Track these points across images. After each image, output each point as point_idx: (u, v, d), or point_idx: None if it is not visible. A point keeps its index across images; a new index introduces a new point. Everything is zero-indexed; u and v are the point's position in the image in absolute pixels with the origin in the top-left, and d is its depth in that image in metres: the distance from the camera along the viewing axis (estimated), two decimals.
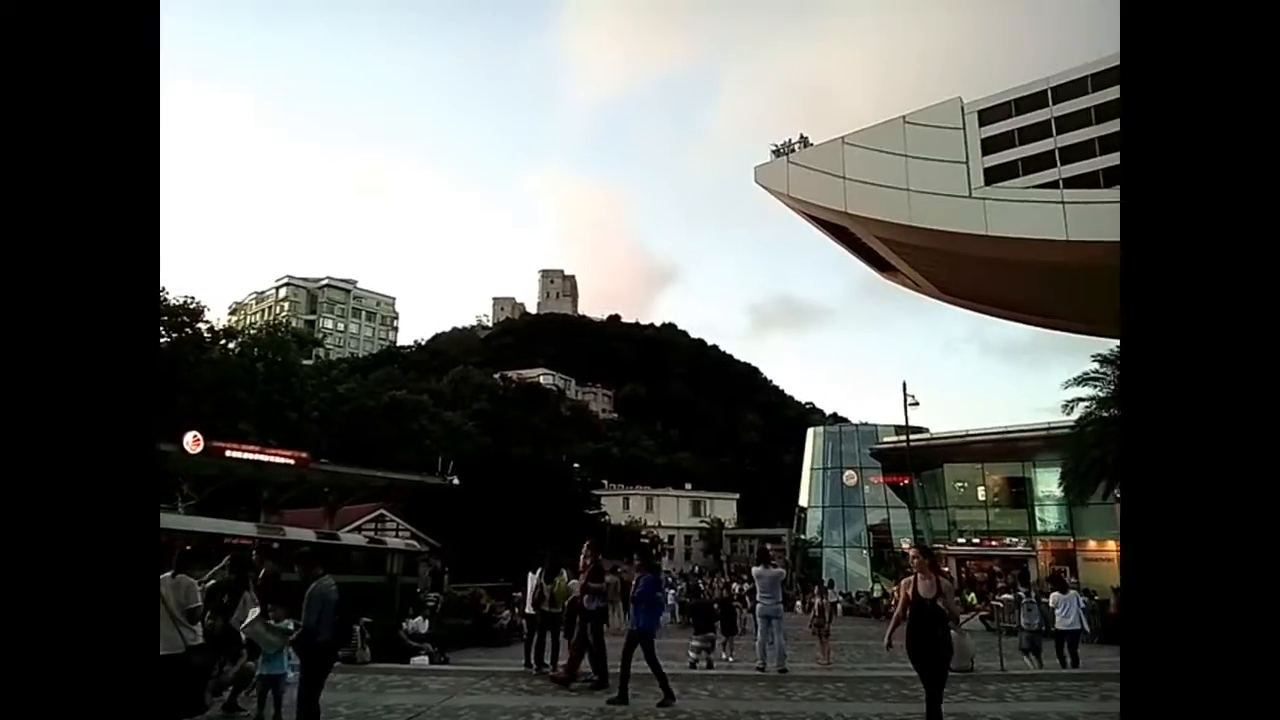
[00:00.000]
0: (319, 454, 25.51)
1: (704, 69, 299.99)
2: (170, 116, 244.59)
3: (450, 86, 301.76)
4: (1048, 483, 42.45)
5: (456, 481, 28.78)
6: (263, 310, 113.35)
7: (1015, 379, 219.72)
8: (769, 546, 15.19)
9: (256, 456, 18.64)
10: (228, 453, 18.01)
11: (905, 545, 46.11)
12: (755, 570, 11.05)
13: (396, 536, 30.86)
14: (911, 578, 6.44)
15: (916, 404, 34.80)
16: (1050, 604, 12.63)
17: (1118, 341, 28.19)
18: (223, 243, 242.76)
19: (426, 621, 16.09)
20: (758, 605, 10.64)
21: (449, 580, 26.00)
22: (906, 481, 43.87)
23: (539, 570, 10.26)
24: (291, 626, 6.59)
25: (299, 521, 22.97)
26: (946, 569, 43.75)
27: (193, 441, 17.02)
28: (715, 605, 16.08)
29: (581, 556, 9.21)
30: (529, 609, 10.22)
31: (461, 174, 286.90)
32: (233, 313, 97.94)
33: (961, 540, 45.05)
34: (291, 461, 19.65)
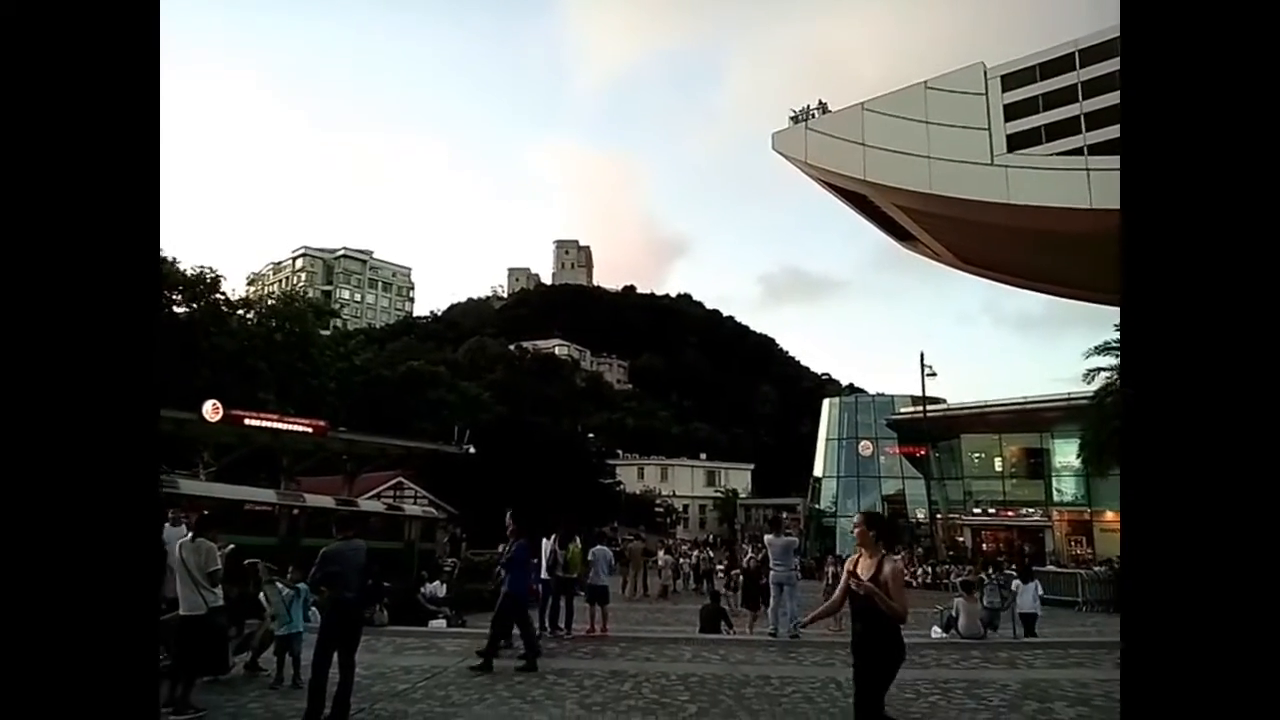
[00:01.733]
0: (337, 423, 25.84)
1: (713, 42, 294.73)
2: (188, 90, 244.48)
3: (464, 61, 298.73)
4: (1066, 453, 42.14)
5: (472, 450, 29.05)
6: (280, 281, 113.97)
7: (1029, 351, 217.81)
8: (784, 515, 15.18)
9: (275, 425, 18.89)
10: (247, 421, 18.27)
11: (920, 515, 46.33)
12: (767, 538, 11.09)
13: (415, 504, 31.41)
14: (855, 555, 4.82)
15: (934, 374, 34.52)
16: (1013, 589, 13.45)
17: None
18: (240, 215, 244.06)
19: (444, 586, 16.35)
20: (770, 572, 10.69)
21: (466, 546, 26.43)
22: (923, 452, 43.71)
23: (553, 536, 10.36)
24: (298, 589, 6.69)
25: (318, 489, 23.39)
26: (961, 539, 43.94)
27: (211, 410, 17.27)
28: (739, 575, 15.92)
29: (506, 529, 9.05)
30: (544, 574, 10.32)
31: (477, 148, 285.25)
32: (250, 283, 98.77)
33: (977, 510, 45.03)
34: (310, 430, 19.90)
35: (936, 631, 11.31)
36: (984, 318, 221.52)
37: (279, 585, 7.16)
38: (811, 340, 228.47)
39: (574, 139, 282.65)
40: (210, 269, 31.08)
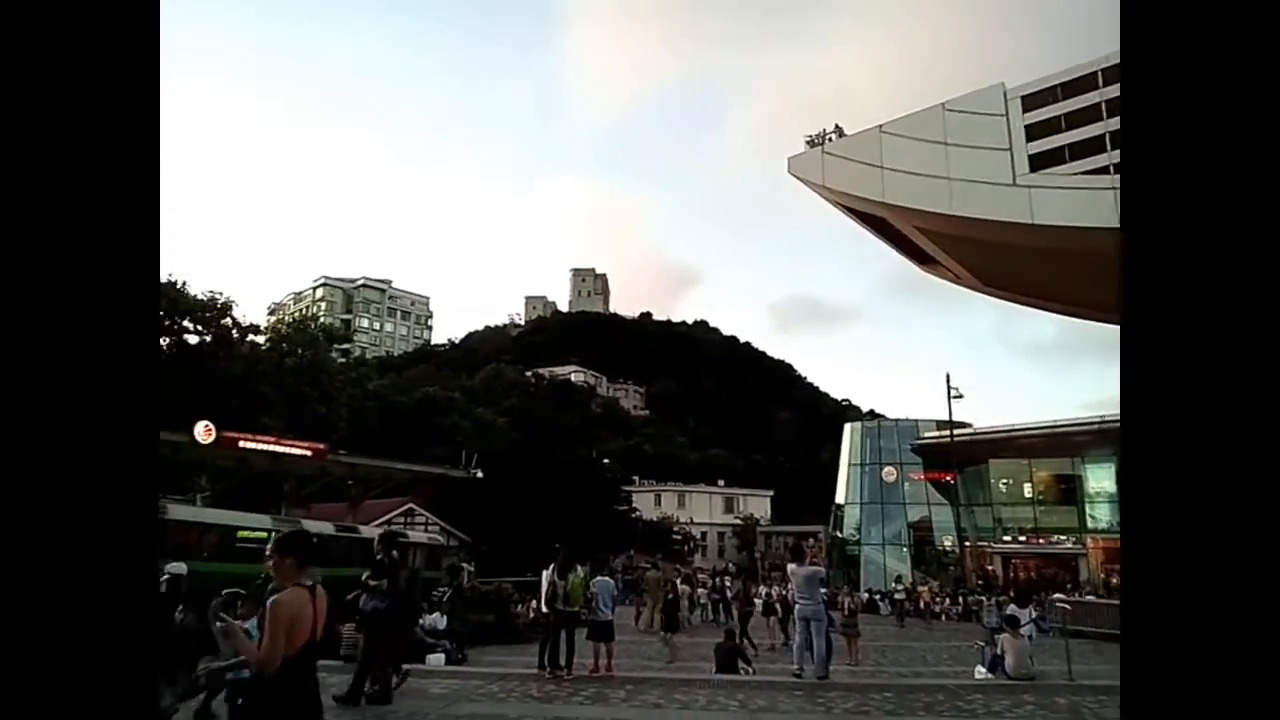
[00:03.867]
0: (350, 449, 25.15)
1: (720, 75, 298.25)
2: (212, 122, 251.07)
3: (483, 95, 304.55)
4: (1099, 479, 40.58)
5: (480, 475, 28.21)
6: (300, 310, 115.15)
7: (1044, 377, 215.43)
8: (809, 541, 14.18)
9: (271, 447, 18.22)
10: (241, 443, 17.59)
11: (947, 542, 44.71)
12: (790, 567, 10.08)
13: (426, 531, 30.57)
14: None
15: (960, 396, 33.36)
16: (1008, 613, 13.76)
17: None
18: (263, 245, 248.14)
19: (445, 618, 15.39)
20: (795, 606, 9.65)
21: (473, 575, 25.48)
22: (949, 478, 42.20)
23: (552, 566, 9.42)
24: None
25: (324, 515, 22.67)
26: (990, 566, 42.24)
27: (204, 431, 16.63)
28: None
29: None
30: (543, 608, 9.39)
31: (496, 180, 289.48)
32: (271, 313, 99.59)
33: (1008, 538, 43.39)
34: (309, 453, 19.21)
35: (981, 671, 10.18)
36: (996, 345, 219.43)
37: (235, 621, 6.29)
38: (827, 367, 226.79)
39: (589, 170, 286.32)
40: (220, 294, 30.88)
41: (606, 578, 10.04)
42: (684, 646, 16.56)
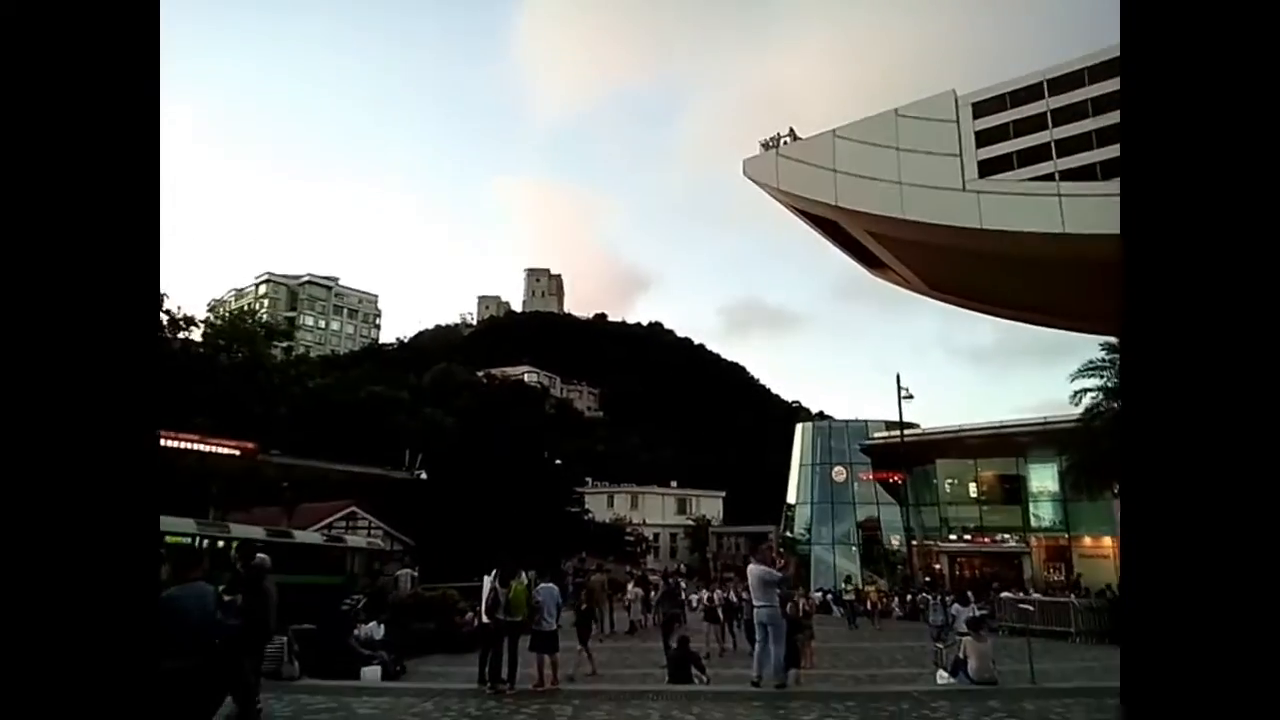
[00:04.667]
0: (293, 452, 23.77)
1: (671, 81, 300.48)
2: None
3: (435, 94, 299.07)
4: (1042, 478, 41.59)
5: (424, 475, 27.14)
6: (241, 307, 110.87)
7: (983, 381, 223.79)
8: (769, 536, 13.65)
9: (196, 446, 17.01)
10: (162, 441, 16.31)
11: (895, 541, 45.29)
12: (750, 568, 9.59)
13: (370, 535, 29.29)
14: None
15: (911, 397, 33.54)
16: (953, 613, 15.00)
17: (1102, 338, 27.77)
18: (203, 240, 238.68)
19: (382, 627, 14.52)
20: (754, 610, 9.16)
21: (416, 580, 24.43)
22: (898, 478, 42.71)
23: (494, 572, 8.75)
24: None
25: (262, 520, 21.39)
26: (938, 565, 42.92)
27: None
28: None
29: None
30: (483, 617, 8.73)
31: (449, 180, 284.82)
32: (211, 309, 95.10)
33: (953, 537, 44.15)
34: (237, 452, 18.03)
35: (943, 676, 9.90)
36: (937, 349, 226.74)
37: None
38: (777, 369, 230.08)
39: (543, 170, 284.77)
40: None
41: (551, 584, 9.39)
42: (637, 652, 16.05)
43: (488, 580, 8.79)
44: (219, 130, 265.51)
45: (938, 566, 42.99)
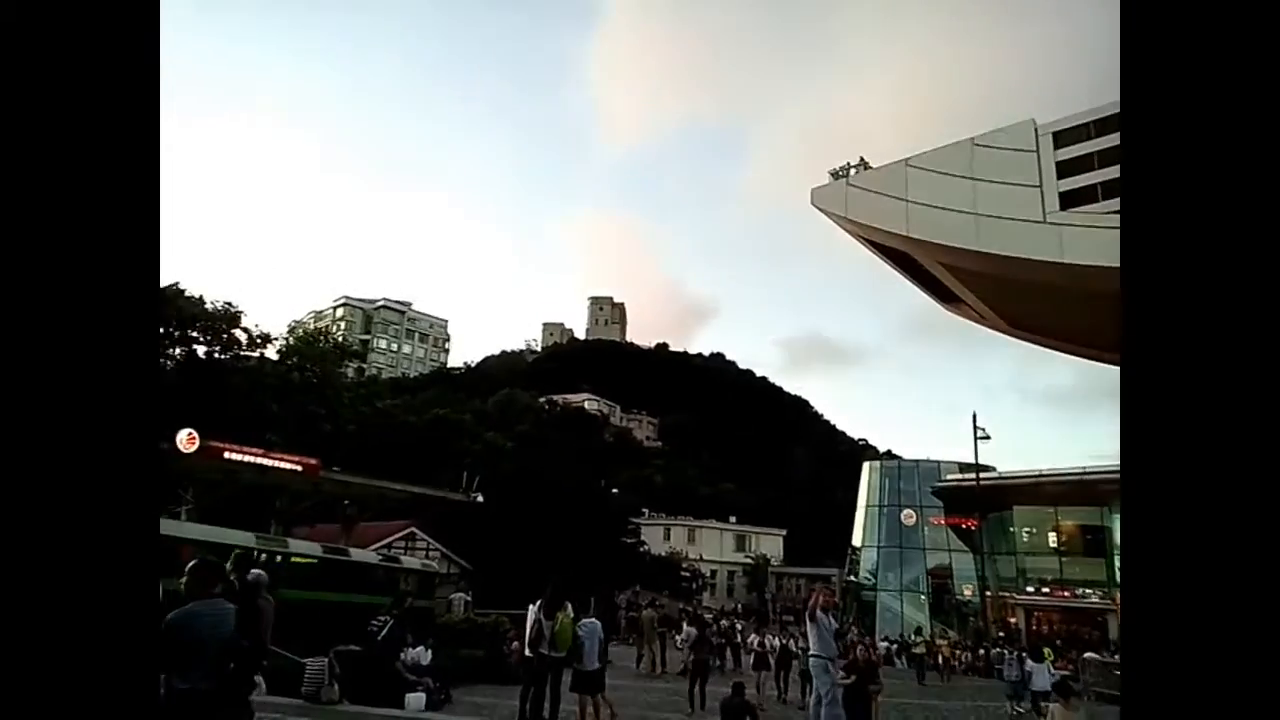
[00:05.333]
0: (357, 470, 24.23)
1: (736, 113, 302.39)
2: (240, 144, 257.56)
3: (510, 126, 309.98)
4: None
5: (480, 498, 27.18)
6: (316, 328, 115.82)
7: (1062, 426, 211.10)
8: (816, 585, 12.69)
9: (261, 460, 17.41)
10: (226, 454, 16.80)
11: (967, 591, 42.85)
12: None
13: (427, 556, 29.50)
14: None
15: (987, 438, 31.85)
16: (1028, 669, 15.17)
17: None
18: (288, 264, 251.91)
19: (429, 652, 14.30)
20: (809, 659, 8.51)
21: (470, 605, 24.32)
22: (972, 524, 40.51)
23: (538, 603, 8.37)
24: None
25: (323, 537, 21.78)
26: (1013, 619, 40.31)
27: (187, 439, 15.84)
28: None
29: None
30: (525, 650, 8.37)
31: (518, 209, 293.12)
32: (291, 330, 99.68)
33: (1030, 589, 41.48)
34: (299, 468, 18.37)
35: None
36: (1010, 391, 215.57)
37: None
38: (842, 406, 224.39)
39: (607, 202, 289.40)
40: (231, 304, 30.46)
41: (594, 619, 8.91)
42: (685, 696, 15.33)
43: (531, 610, 8.43)
44: (311, 158, 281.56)
45: (1013, 620, 40.39)
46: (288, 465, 18.18)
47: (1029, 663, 15.57)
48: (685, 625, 22.56)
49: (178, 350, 30.15)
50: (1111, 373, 34.92)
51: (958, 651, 31.97)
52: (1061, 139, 27.14)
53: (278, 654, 11.86)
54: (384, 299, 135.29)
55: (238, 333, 30.72)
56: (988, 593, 40.97)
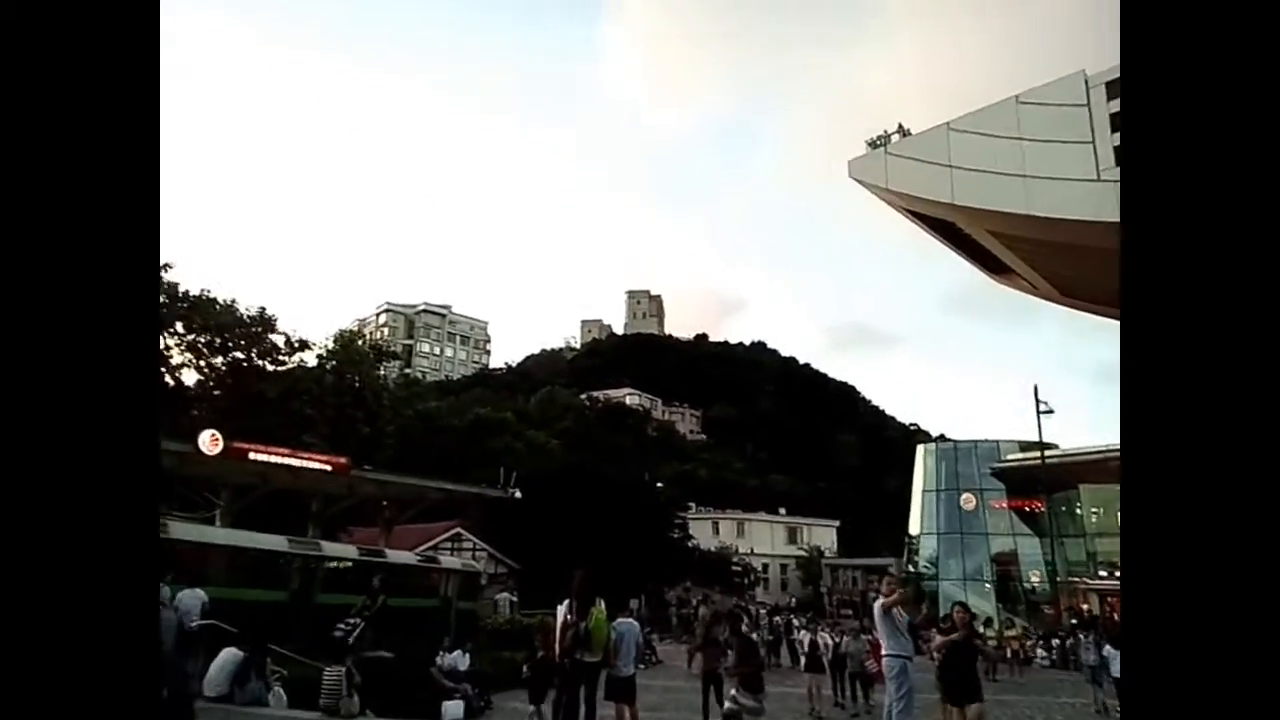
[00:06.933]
0: (400, 472, 23.81)
1: (766, 99, 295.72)
2: (287, 151, 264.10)
3: (539, 121, 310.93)
4: None
5: (518, 495, 26.49)
6: (354, 332, 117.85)
7: (1113, 403, 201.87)
8: (888, 575, 11.38)
9: (287, 460, 16.95)
10: (250, 454, 16.36)
11: (1034, 578, 40.71)
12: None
13: (473, 556, 28.98)
14: None
15: (1050, 412, 29.95)
16: (1106, 654, 14.55)
17: None
18: (330, 275, 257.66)
19: (466, 656, 13.57)
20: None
21: (515, 605, 23.66)
22: (1037, 505, 38.37)
23: (567, 601, 7.40)
24: None
25: (363, 540, 21.34)
26: (1086, 605, 38.10)
27: (210, 441, 15.40)
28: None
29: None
30: (557, 655, 7.42)
31: (550, 204, 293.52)
32: (333, 338, 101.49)
33: (1104, 574, 39.16)
34: (328, 467, 17.87)
35: None
36: (1062, 368, 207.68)
37: None
38: (890, 390, 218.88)
39: (640, 193, 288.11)
40: (264, 309, 30.37)
41: (631, 620, 7.89)
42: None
43: (560, 610, 7.47)
44: (351, 166, 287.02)
45: (1085, 607, 38.15)
46: (315, 465, 17.67)
47: (1107, 647, 14.88)
48: (743, 626, 21.44)
49: (219, 360, 30.22)
50: None
51: (1028, 643, 30.15)
52: (1115, 89, 25.30)
53: (304, 663, 11.27)
54: (424, 303, 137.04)
55: (275, 338, 30.64)
56: (1057, 579, 38.80)
